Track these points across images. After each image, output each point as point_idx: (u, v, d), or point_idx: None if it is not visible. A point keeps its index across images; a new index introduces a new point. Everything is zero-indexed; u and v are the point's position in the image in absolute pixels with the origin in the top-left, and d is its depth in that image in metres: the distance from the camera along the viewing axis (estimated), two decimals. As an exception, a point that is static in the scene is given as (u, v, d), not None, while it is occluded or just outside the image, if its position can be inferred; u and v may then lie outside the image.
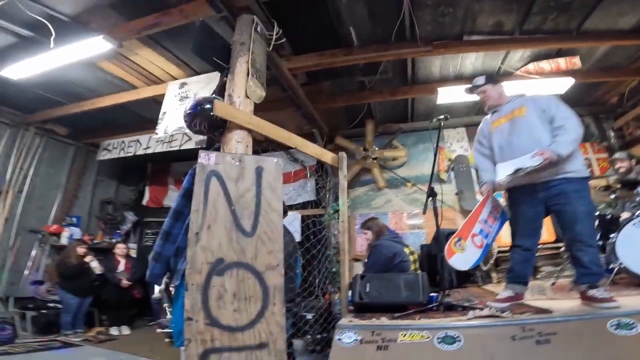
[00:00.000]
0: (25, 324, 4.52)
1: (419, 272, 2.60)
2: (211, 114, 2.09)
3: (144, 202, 6.46)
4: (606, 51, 3.94)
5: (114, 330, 4.65)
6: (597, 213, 3.17)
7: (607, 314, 1.77)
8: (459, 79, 4.30)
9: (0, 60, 3.55)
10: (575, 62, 3.90)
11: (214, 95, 2.40)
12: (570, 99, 5.06)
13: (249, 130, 2.23)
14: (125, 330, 4.71)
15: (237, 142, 2.18)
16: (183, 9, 2.71)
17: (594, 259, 2.01)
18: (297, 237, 4.94)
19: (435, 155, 2.94)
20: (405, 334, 1.90)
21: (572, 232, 2.02)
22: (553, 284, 3.38)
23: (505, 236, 4.37)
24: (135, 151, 5.27)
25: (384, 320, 2.10)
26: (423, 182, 5.36)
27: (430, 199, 2.73)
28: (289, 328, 2.26)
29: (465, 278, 3.96)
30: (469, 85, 2.47)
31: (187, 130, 3.40)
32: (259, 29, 2.56)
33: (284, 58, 3.51)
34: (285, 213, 2.58)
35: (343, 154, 2.86)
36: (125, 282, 4.80)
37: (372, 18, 3.30)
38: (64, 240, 5.32)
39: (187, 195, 1.95)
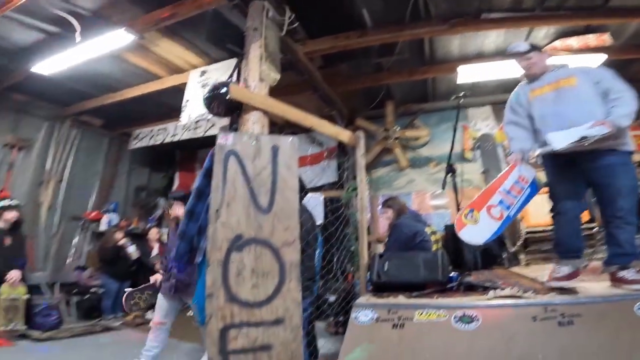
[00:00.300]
0: (70, 309, 4.87)
1: (438, 250, 2.55)
2: (227, 97, 2.13)
3: (174, 187, 6.74)
4: (638, 27, 3.66)
5: (149, 315, 4.94)
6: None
7: (635, 295, 1.69)
8: (480, 57, 4.12)
9: (31, 56, 3.77)
10: (605, 38, 3.66)
11: (229, 80, 2.44)
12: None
13: (264, 112, 2.26)
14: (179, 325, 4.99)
15: (253, 123, 2.22)
16: None
17: (630, 238, 1.92)
18: (320, 219, 5.03)
19: (454, 132, 2.89)
20: (421, 313, 1.89)
21: (613, 207, 1.93)
22: (585, 265, 3.23)
23: (535, 216, 4.27)
24: (164, 139, 5.49)
25: (401, 299, 2.10)
26: (446, 161, 5.20)
27: (450, 174, 2.68)
28: (307, 307, 2.31)
29: (491, 259, 3.86)
30: (514, 49, 2.29)
31: (210, 117, 3.52)
32: (270, 14, 2.56)
33: (299, 42, 3.50)
34: (305, 193, 2.61)
35: (360, 133, 2.84)
36: (158, 266, 5.07)
37: None
38: (103, 227, 5.68)
39: (208, 175, 2.03)
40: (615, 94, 1.98)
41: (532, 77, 2.25)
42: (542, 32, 3.74)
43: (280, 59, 2.69)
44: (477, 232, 2.08)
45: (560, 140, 1.97)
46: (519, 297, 1.90)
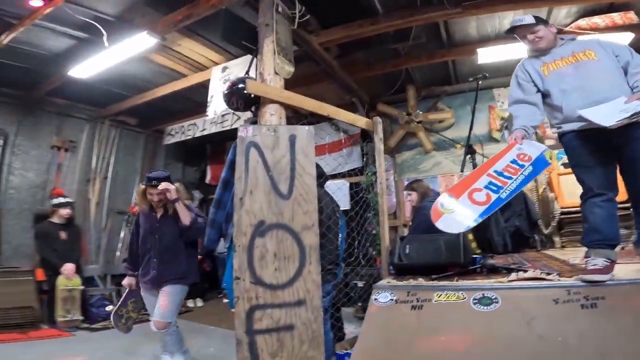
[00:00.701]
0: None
1: (460, 232, 2.53)
2: (245, 91, 2.22)
3: (207, 180, 7.05)
4: None
5: (190, 303, 5.26)
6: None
7: None
8: (500, 38, 3.95)
9: (66, 62, 4.05)
10: (631, 16, 3.42)
11: (246, 75, 2.54)
12: None
13: (281, 104, 2.33)
14: (199, 302, 5.32)
15: (271, 115, 2.30)
16: None
17: None
18: (347, 205, 5.10)
19: (472, 114, 2.82)
20: (440, 295, 1.92)
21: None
22: (623, 248, 3.07)
23: (570, 195, 4.07)
24: (194, 134, 5.74)
25: (421, 281, 2.13)
26: (474, 142, 5.03)
27: (469, 156, 2.63)
28: (330, 289, 2.41)
29: (522, 242, 3.75)
30: (519, 22, 2.12)
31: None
32: (280, 9, 2.62)
33: (313, 34, 3.53)
34: (324, 179, 2.68)
35: (377, 118, 2.86)
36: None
37: None
38: (145, 220, 6.08)
39: (232, 166, 2.16)
40: (637, 67, 1.86)
41: (542, 52, 2.12)
42: (563, 11, 3.57)
43: (293, 51, 2.74)
44: (454, 220, 1.82)
45: (605, 116, 1.73)
46: (542, 279, 1.87)
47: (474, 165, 2.52)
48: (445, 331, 1.73)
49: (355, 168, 5.46)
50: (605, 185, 1.85)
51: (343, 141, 5.42)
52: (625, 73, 1.90)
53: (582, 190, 1.94)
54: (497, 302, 1.77)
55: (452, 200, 1.85)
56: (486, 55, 4.09)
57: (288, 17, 2.77)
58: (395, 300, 2.00)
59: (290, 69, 2.57)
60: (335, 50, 4.19)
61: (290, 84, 2.74)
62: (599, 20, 3.61)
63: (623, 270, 1.88)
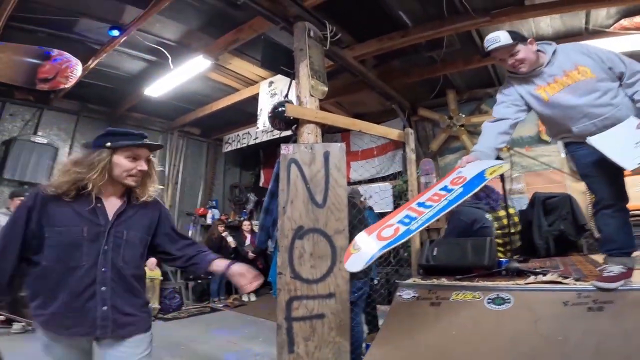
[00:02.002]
0: (188, 293, 5.94)
1: (487, 237, 2.64)
2: (285, 114, 2.60)
3: (261, 183, 7.67)
4: None
5: (245, 297, 5.85)
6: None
7: None
8: (538, 40, 3.86)
9: (141, 81, 4.80)
10: None
11: (285, 99, 2.91)
12: None
13: (317, 123, 2.66)
14: (253, 297, 5.88)
15: (308, 134, 2.64)
16: (251, 24, 3.38)
17: None
18: (390, 207, 5.30)
19: None
20: (458, 294, 2.11)
21: None
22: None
23: (633, 198, 3.85)
24: (248, 142, 6.36)
25: (443, 281, 2.32)
26: (520, 145, 4.96)
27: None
28: (362, 286, 2.69)
29: (566, 245, 3.67)
30: (494, 43, 1.93)
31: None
32: (312, 33, 2.93)
33: (347, 48, 3.83)
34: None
35: (408, 130, 3.04)
36: (251, 255, 5.85)
37: None
38: (208, 220, 6.83)
39: (277, 179, 2.54)
40: (634, 76, 1.80)
41: (526, 74, 1.97)
42: (602, 13, 3.47)
43: (332, 64, 3.01)
44: (358, 259, 1.68)
45: (622, 151, 1.65)
46: (558, 282, 1.97)
47: (502, 175, 2.59)
48: (458, 326, 1.93)
49: (399, 171, 5.64)
50: (616, 196, 1.88)
51: (392, 145, 5.59)
52: (619, 79, 1.84)
53: (594, 200, 1.98)
54: (509, 302, 1.92)
55: (362, 239, 1.76)
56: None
57: (320, 39, 3.07)
58: (417, 297, 2.22)
59: (324, 89, 2.88)
60: (371, 61, 4.45)
61: (333, 94, 3.06)
62: None
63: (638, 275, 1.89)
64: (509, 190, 5.42)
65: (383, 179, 5.58)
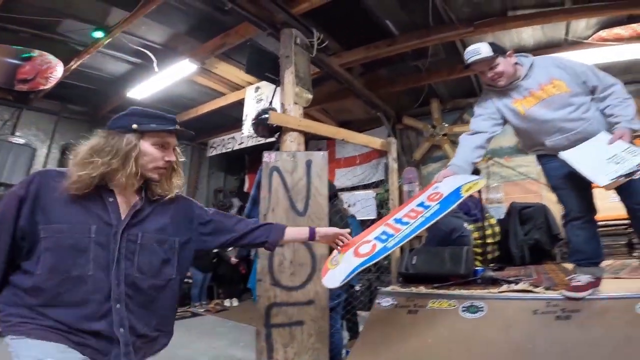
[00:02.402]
0: None
1: (465, 246, 2.71)
2: (268, 122, 2.61)
3: (245, 188, 7.62)
4: None
5: (227, 302, 5.79)
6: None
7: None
8: (519, 51, 4.01)
9: (124, 84, 4.74)
10: None
11: (269, 106, 2.93)
12: None
13: (300, 131, 2.69)
14: (235, 302, 5.82)
15: (291, 142, 2.66)
16: (238, 29, 3.42)
17: None
18: (373, 214, 5.37)
19: None
20: (434, 302, 2.16)
21: (637, 194, 1.78)
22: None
23: (603, 209, 4.02)
24: (233, 147, 6.33)
25: (421, 289, 2.37)
26: (500, 155, 5.11)
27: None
28: (341, 293, 2.71)
29: (541, 254, 3.79)
30: (475, 55, 1.93)
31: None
32: (298, 40, 2.96)
33: (334, 55, 3.90)
34: (334, 196, 2.97)
35: (391, 139, 3.11)
36: (233, 260, 5.80)
37: (404, 8, 3.42)
38: (191, 225, 6.73)
39: (259, 186, 2.54)
40: (608, 90, 1.84)
41: (504, 87, 1.97)
42: (582, 23, 3.61)
43: (318, 71, 3.07)
44: (334, 276, 1.63)
45: (594, 165, 1.68)
46: (529, 291, 2.04)
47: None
48: (434, 334, 1.97)
49: (382, 179, 5.72)
50: (584, 208, 1.94)
51: (377, 153, 5.66)
52: (592, 93, 1.88)
53: (564, 212, 2.03)
54: (482, 311, 1.97)
55: (340, 255, 1.69)
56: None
57: (307, 46, 3.11)
58: (395, 305, 2.26)
59: (308, 96, 2.92)
60: (358, 69, 4.53)
61: (319, 101, 3.07)
62: (621, 30, 3.58)
63: (619, 286, 2.01)
64: (486, 200, 5.61)
65: (367, 186, 5.65)
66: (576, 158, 1.78)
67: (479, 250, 3.81)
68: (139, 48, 4.02)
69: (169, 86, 4.56)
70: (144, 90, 4.71)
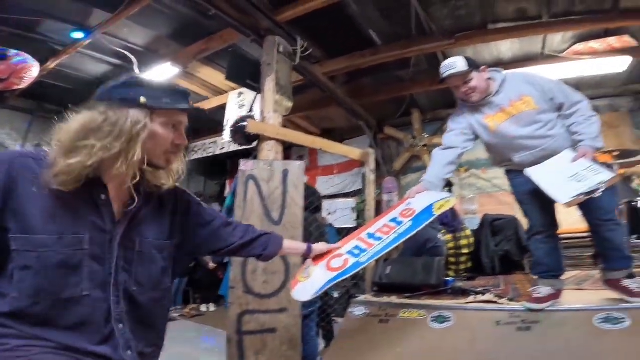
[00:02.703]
0: None
1: (436, 257, 2.79)
2: (246, 131, 2.63)
3: (226, 193, 7.55)
4: None
5: (203, 307, 5.71)
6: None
7: (598, 307, 1.78)
8: (498, 64, 4.17)
9: (103, 84, 4.68)
10: (628, 40, 3.54)
11: (249, 114, 2.95)
12: None
13: (278, 140, 2.71)
14: (212, 307, 5.75)
15: (268, 151, 2.68)
16: (222, 34, 3.41)
17: (624, 239, 1.89)
18: (352, 223, 5.42)
19: None
20: (405, 312, 2.21)
21: (601, 210, 1.84)
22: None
23: (564, 222, 4.20)
24: (214, 151, 6.29)
25: (393, 299, 2.42)
26: (477, 167, 5.26)
27: (447, 188, 2.88)
28: (316, 300, 2.73)
29: (510, 265, 3.91)
30: (450, 69, 1.96)
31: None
32: (281, 48, 2.99)
33: (318, 63, 3.95)
34: (316, 208, 2.99)
35: (369, 150, 3.17)
36: (211, 265, 5.70)
37: (387, 19, 3.50)
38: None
39: (235, 194, 2.54)
40: (574, 107, 1.89)
41: (476, 103, 2.00)
42: (558, 37, 3.74)
43: (292, 87, 3.09)
44: (305, 289, 1.56)
45: (557, 183, 1.73)
46: (494, 302, 2.12)
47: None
48: (402, 343, 2.02)
49: (360, 189, 5.80)
50: (547, 223, 2.03)
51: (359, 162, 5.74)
52: (559, 109, 1.92)
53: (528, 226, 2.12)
54: (450, 321, 2.04)
55: (312, 267, 1.64)
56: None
57: (290, 54, 3.13)
58: (368, 314, 2.31)
59: (288, 105, 2.95)
60: (342, 77, 4.59)
61: (303, 108, 3.06)
62: (596, 45, 3.72)
63: (582, 297, 2.11)
64: (462, 211, 5.75)
65: (347, 195, 5.71)
66: (540, 175, 1.83)
67: (453, 260, 3.92)
68: (120, 50, 3.98)
69: (151, 89, 4.53)
70: (123, 92, 4.65)
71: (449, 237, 3.89)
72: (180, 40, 3.92)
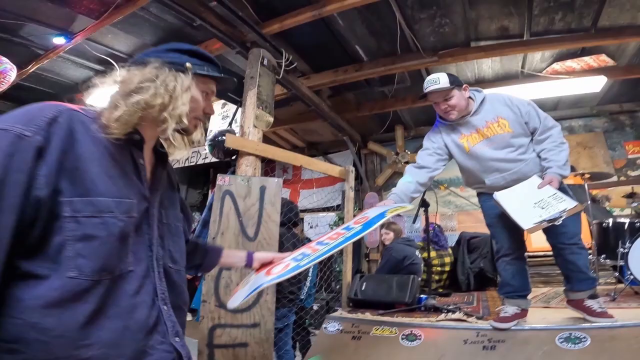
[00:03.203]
0: None
1: (411, 275, 2.82)
2: (225, 145, 2.64)
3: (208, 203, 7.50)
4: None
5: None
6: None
7: (560, 326, 1.85)
8: (480, 82, 4.32)
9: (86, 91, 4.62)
10: (604, 59, 3.68)
11: (227, 128, 2.95)
12: (621, 95, 4.80)
13: (257, 156, 2.72)
14: (189, 316, 5.62)
15: (247, 166, 2.68)
16: (207, 45, 3.38)
17: (587, 261, 1.95)
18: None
19: None
20: (378, 329, 2.23)
21: (565, 234, 1.90)
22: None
23: (534, 241, 4.33)
24: (197, 161, 6.23)
25: (367, 315, 2.44)
26: (457, 184, 5.39)
27: (423, 209, 2.94)
28: (286, 313, 2.72)
29: (485, 281, 3.99)
30: (432, 84, 1.95)
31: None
32: (265, 62, 3.00)
33: (303, 77, 3.98)
34: (293, 223, 2.98)
35: (349, 167, 3.20)
36: (188, 275, 5.64)
37: (374, 35, 3.56)
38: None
39: (211, 208, 2.53)
40: (544, 132, 1.94)
41: (454, 121, 2.02)
42: (537, 56, 3.84)
43: (274, 102, 3.09)
44: (236, 295, 1.40)
45: (521, 209, 1.78)
46: (463, 320, 2.16)
47: (427, 218, 2.81)
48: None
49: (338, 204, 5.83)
50: (514, 246, 2.08)
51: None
52: (532, 134, 1.97)
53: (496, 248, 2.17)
54: (420, 339, 2.07)
55: (253, 275, 1.55)
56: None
57: (274, 67, 3.15)
58: (341, 330, 2.32)
59: (269, 119, 2.97)
60: (327, 91, 4.64)
61: (288, 121, 3.03)
62: (574, 64, 3.86)
63: (546, 315, 2.17)
64: (444, 227, 5.85)
65: (329, 209, 5.73)
66: (506, 201, 1.87)
67: (437, 277, 3.99)
68: (103, 56, 3.95)
69: (132, 95, 4.49)
70: (104, 97, 4.59)
71: (434, 254, 3.95)
72: (163, 49, 3.94)
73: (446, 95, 1.94)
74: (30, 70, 3.96)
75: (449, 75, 1.96)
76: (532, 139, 1.99)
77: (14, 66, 2.76)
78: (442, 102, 1.97)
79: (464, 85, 2.00)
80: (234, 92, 3.05)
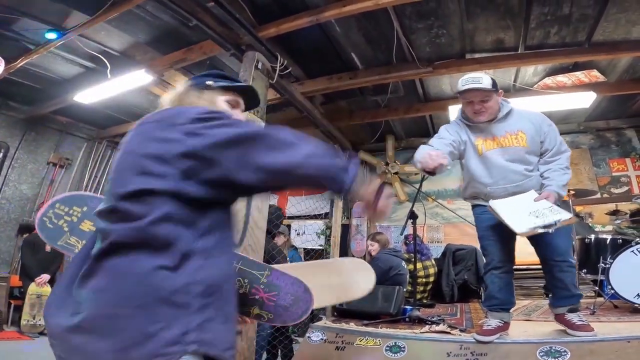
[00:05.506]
0: None
1: (397, 286, 2.82)
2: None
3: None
4: (631, 62, 3.74)
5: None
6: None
7: (541, 340, 1.87)
8: None
9: (73, 86, 4.48)
10: (595, 74, 3.73)
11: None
12: (608, 112, 4.89)
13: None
14: None
15: (235, 171, 2.65)
16: (202, 46, 3.35)
17: (574, 279, 1.98)
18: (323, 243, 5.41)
19: (422, 179, 3.01)
20: (362, 339, 2.21)
21: (555, 251, 1.92)
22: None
23: (518, 254, 4.40)
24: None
25: (352, 326, 2.42)
26: (444, 197, 5.45)
27: (411, 221, 2.95)
28: (265, 325, 2.68)
29: (468, 293, 4.03)
30: (474, 82, 1.91)
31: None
32: (259, 65, 2.98)
33: (297, 82, 3.95)
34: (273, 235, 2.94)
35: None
36: None
37: (370, 43, 3.57)
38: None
39: None
40: (556, 155, 1.97)
41: (479, 122, 2.00)
42: (530, 70, 3.87)
43: (266, 106, 3.06)
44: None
45: (517, 217, 1.81)
46: (447, 333, 2.17)
47: (414, 230, 2.82)
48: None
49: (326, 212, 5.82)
50: (505, 259, 2.07)
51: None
52: (542, 154, 1.99)
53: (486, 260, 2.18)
54: (403, 351, 2.06)
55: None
56: (457, 112, 4.44)
57: (268, 71, 3.12)
58: (325, 340, 2.29)
59: (260, 124, 2.96)
60: (320, 98, 4.63)
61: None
62: (565, 79, 3.91)
63: (523, 330, 2.17)
64: (429, 239, 5.89)
65: (317, 217, 5.71)
66: (501, 208, 1.89)
67: (421, 288, 3.99)
68: (94, 53, 3.89)
69: (122, 94, 4.39)
70: (92, 95, 4.48)
71: (420, 265, 3.96)
72: (159, 47, 3.87)
73: (485, 96, 1.93)
74: (19, 65, 3.87)
75: (491, 77, 1.96)
76: (539, 159, 2.02)
77: (2, 60, 2.68)
78: (477, 102, 1.95)
79: (500, 91, 2.01)
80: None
